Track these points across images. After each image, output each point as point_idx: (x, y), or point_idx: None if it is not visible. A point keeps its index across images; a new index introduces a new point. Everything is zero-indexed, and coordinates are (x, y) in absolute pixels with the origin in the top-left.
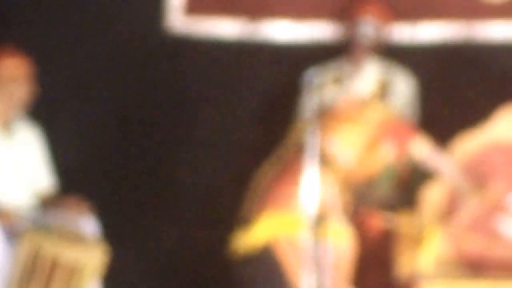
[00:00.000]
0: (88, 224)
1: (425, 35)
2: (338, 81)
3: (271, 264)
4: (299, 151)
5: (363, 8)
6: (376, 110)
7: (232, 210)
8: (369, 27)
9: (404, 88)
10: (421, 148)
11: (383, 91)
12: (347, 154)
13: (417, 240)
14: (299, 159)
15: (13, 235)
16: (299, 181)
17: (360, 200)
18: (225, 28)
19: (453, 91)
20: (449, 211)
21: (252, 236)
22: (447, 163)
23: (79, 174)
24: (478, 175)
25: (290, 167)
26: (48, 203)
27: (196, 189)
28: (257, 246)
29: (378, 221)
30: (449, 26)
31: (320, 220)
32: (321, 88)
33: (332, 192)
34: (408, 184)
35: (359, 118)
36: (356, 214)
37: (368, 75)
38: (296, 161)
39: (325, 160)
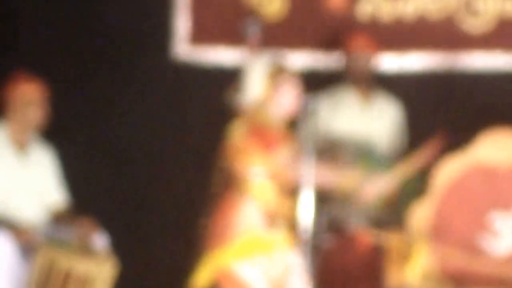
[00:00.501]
0: (98, 240)
1: (412, 65)
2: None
3: None
4: (227, 179)
5: (354, 42)
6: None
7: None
8: (357, 60)
9: (391, 114)
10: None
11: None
12: (259, 174)
13: (405, 255)
14: (227, 188)
15: (28, 249)
16: (231, 214)
17: (347, 218)
18: (226, 56)
19: (437, 117)
20: (434, 228)
21: (199, 280)
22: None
23: (89, 192)
24: (461, 195)
25: (221, 200)
26: (61, 219)
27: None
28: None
29: (369, 238)
30: (434, 56)
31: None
32: (317, 114)
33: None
34: (397, 204)
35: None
36: (348, 231)
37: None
38: (225, 192)
39: (243, 187)
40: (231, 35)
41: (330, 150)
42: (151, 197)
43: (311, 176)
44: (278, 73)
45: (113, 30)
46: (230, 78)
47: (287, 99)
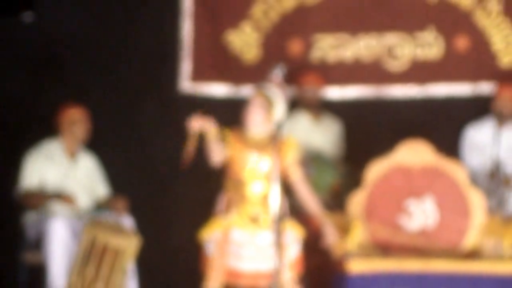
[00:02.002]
0: (127, 221)
1: (350, 95)
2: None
3: None
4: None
5: (308, 78)
6: None
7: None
8: (310, 91)
9: (335, 130)
10: None
11: None
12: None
13: (346, 231)
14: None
15: (77, 229)
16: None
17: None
18: (217, 90)
19: (368, 132)
20: (366, 211)
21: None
22: None
23: (120, 185)
24: (385, 187)
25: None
26: (101, 206)
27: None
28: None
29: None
30: (366, 88)
31: (280, 218)
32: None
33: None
34: (340, 192)
35: None
36: (305, 214)
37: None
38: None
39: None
40: (222, 74)
41: None
42: (167, 190)
43: (278, 173)
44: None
45: (135, 70)
46: (220, 106)
47: None
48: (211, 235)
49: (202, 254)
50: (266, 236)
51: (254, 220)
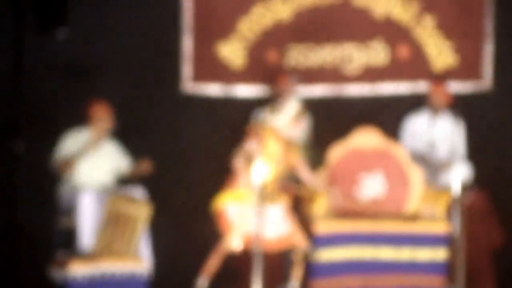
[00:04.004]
0: (140, 193)
1: (316, 93)
2: (271, 113)
3: None
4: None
5: (282, 80)
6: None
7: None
8: (285, 90)
9: (305, 122)
10: None
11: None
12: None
13: (313, 200)
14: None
15: (102, 199)
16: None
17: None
18: (212, 90)
19: (330, 122)
20: (329, 183)
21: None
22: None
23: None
24: (343, 164)
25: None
26: (126, 177)
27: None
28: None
29: (294, 190)
30: (327, 87)
31: (264, 192)
32: (262, 118)
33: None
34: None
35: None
36: (285, 187)
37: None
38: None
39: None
40: (215, 77)
41: None
42: (175, 167)
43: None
44: None
45: (147, 75)
46: (216, 103)
47: None
48: (231, 204)
49: (222, 218)
50: (276, 209)
51: (266, 196)
